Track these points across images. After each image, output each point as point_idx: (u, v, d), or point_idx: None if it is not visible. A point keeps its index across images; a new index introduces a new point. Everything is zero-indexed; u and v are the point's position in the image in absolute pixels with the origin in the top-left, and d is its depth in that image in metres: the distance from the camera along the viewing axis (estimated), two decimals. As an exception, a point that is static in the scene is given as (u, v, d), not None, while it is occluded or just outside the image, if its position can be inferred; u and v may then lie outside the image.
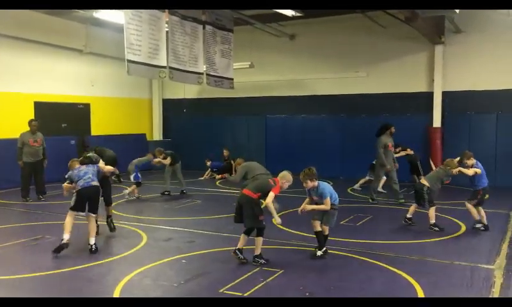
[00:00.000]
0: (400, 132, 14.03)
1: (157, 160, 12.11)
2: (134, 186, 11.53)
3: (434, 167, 13.52)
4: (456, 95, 14.33)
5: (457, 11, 10.25)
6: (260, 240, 6.43)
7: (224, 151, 16.18)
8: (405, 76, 15.06)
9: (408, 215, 8.65)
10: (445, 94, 14.46)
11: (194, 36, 11.24)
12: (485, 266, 6.32)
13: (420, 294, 5.30)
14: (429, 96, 14.67)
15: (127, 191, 11.48)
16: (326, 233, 6.74)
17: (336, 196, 6.72)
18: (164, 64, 10.33)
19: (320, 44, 16.11)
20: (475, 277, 5.90)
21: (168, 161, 12.14)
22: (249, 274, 5.94)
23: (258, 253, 6.42)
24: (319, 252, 6.63)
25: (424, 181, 8.55)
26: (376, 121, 15.25)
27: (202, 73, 11.69)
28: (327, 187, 6.64)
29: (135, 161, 11.82)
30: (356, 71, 15.72)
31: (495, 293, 5.34)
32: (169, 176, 12.43)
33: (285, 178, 6.42)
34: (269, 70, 16.80)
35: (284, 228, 8.09)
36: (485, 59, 13.90)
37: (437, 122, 14.54)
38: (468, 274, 6.03)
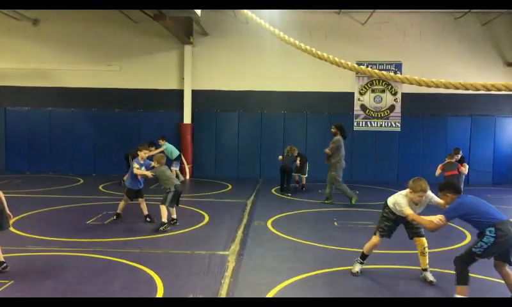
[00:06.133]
0: (154, 128, 14.31)
1: None
2: None
3: (185, 162, 14.20)
4: (204, 94, 15.29)
5: (198, 13, 10.87)
6: None
7: None
8: (158, 73, 15.36)
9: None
10: (195, 93, 15.29)
11: None
12: (221, 252, 6.86)
13: (160, 287, 5.40)
14: (180, 93, 15.29)
15: None
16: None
17: None
18: None
19: (69, 32, 15.16)
20: (212, 263, 6.34)
21: None
22: (-31, 290, 5.11)
23: None
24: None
25: None
26: (130, 116, 15.23)
27: None
28: None
29: None
30: (108, 64, 15.29)
31: (227, 276, 5.82)
32: None
33: None
34: (9, 56, 15.01)
35: (20, 233, 7.37)
36: (228, 62, 15.20)
37: (187, 119, 15.27)
38: (207, 261, 6.44)
